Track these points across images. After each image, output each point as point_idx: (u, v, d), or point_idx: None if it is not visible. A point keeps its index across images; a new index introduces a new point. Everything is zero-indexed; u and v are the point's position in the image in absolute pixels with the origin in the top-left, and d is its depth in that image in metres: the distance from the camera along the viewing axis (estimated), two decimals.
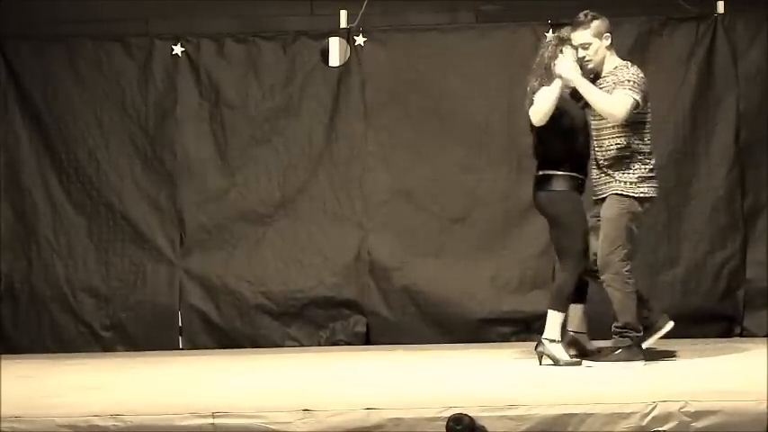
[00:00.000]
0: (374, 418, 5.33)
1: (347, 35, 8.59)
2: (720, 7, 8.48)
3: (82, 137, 8.68)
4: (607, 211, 6.90)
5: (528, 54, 7.62)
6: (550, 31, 8.03)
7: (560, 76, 6.83)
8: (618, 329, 6.86)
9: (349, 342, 8.56)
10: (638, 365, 6.76)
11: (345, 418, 5.34)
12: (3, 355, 8.34)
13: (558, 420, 5.29)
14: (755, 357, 6.81)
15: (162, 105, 8.70)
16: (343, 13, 8.58)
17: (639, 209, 6.91)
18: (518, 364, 7.06)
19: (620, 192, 6.88)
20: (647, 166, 6.92)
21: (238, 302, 8.61)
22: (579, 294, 7.07)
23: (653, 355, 7.31)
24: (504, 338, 8.40)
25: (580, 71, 6.91)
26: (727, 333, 8.39)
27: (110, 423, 5.32)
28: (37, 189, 8.69)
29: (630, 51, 8.45)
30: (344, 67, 8.59)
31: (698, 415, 5.26)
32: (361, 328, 8.59)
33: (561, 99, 6.88)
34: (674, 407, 5.28)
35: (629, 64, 7.04)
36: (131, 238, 8.66)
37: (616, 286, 6.83)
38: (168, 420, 5.34)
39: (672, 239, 8.46)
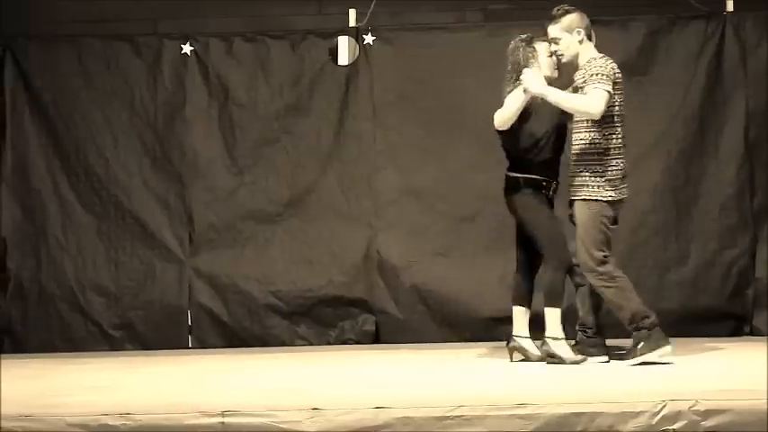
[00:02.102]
0: (383, 416, 5.32)
1: (356, 34, 8.59)
2: (729, 5, 8.47)
3: (91, 136, 8.70)
4: (579, 215, 6.86)
5: None
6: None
7: (525, 91, 6.82)
8: (630, 326, 6.81)
9: (358, 341, 8.56)
10: (668, 351, 6.70)
11: (355, 416, 5.33)
12: (12, 354, 8.37)
13: (567, 419, 5.28)
14: (765, 356, 6.79)
15: (171, 104, 8.71)
16: (352, 12, 8.58)
17: (610, 211, 6.82)
18: (527, 363, 7.04)
19: (586, 197, 6.83)
20: (616, 167, 6.82)
21: (247, 301, 8.62)
22: (527, 298, 7.09)
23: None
24: None
25: (545, 81, 6.83)
26: (736, 332, 8.39)
27: (119, 422, 5.32)
28: (46, 188, 8.70)
29: (640, 49, 8.48)
30: (353, 65, 8.59)
31: (708, 414, 5.25)
32: (371, 327, 8.60)
33: (532, 102, 6.88)
34: (683, 406, 5.27)
35: (600, 56, 6.90)
36: (140, 237, 8.67)
37: (605, 285, 6.79)
38: (178, 419, 5.34)
39: (681, 238, 8.45)
